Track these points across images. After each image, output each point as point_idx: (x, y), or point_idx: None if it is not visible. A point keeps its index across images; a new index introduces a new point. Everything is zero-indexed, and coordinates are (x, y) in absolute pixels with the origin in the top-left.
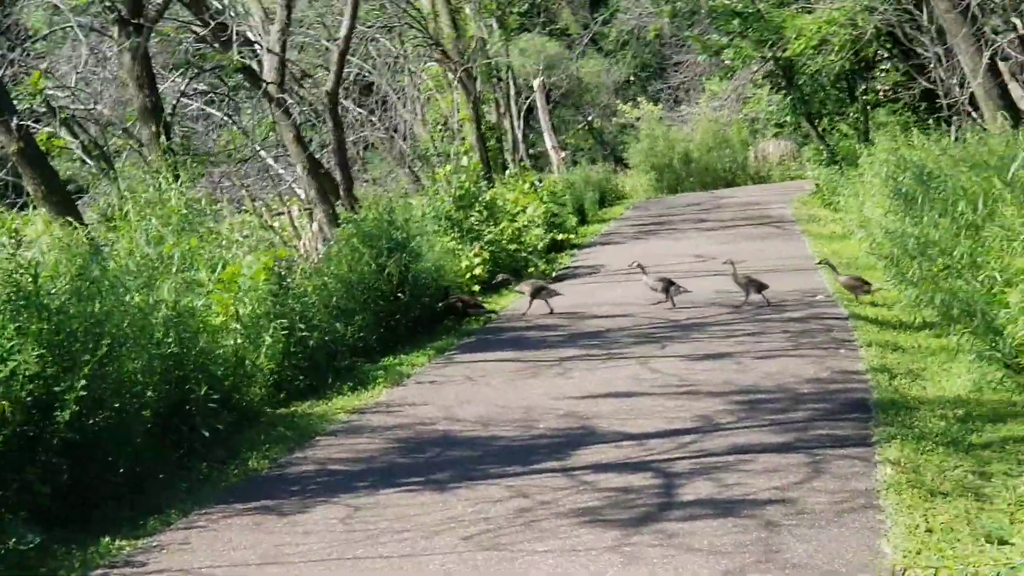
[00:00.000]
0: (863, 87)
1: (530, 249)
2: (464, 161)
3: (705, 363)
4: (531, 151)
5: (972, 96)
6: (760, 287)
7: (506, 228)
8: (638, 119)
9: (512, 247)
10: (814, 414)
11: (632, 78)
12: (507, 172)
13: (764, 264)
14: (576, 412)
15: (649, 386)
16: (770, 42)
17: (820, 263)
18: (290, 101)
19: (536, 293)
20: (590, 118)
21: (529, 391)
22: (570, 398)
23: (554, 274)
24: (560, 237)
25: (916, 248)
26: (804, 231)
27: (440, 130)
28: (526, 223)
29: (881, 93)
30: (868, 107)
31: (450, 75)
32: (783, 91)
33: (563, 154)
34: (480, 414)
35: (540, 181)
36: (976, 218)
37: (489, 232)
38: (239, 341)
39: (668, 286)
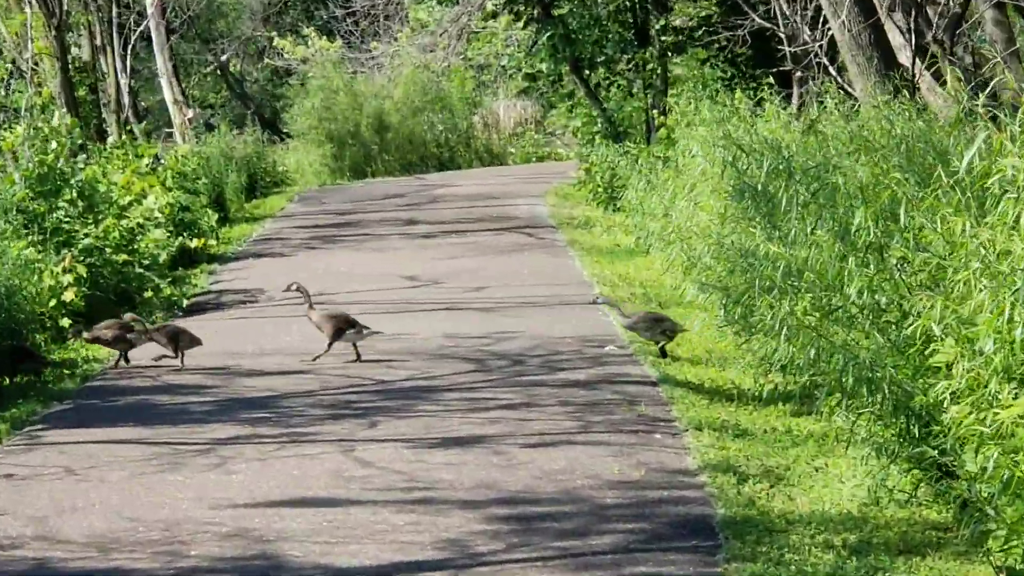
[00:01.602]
0: (659, 22)
1: (148, 262)
2: (53, 121)
3: (444, 452)
4: (142, 108)
5: (831, 43)
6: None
7: (111, 228)
8: (304, 61)
9: (121, 258)
10: (628, 541)
11: None
12: (108, 140)
13: (517, 293)
14: (248, 531)
15: (361, 488)
16: None
17: (596, 301)
18: None
19: (339, 332)
20: (224, 57)
21: (170, 494)
22: (237, 506)
23: (184, 303)
24: (193, 244)
25: (779, 277)
26: (571, 241)
27: (4, 71)
28: (142, 221)
29: (685, 33)
30: (667, 53)
31: None
32: (535, 24)
33: (189, 113)
34: (94, 531)
35: (161, 158)
36: (877, 236)
37: (87, 234)
38: None
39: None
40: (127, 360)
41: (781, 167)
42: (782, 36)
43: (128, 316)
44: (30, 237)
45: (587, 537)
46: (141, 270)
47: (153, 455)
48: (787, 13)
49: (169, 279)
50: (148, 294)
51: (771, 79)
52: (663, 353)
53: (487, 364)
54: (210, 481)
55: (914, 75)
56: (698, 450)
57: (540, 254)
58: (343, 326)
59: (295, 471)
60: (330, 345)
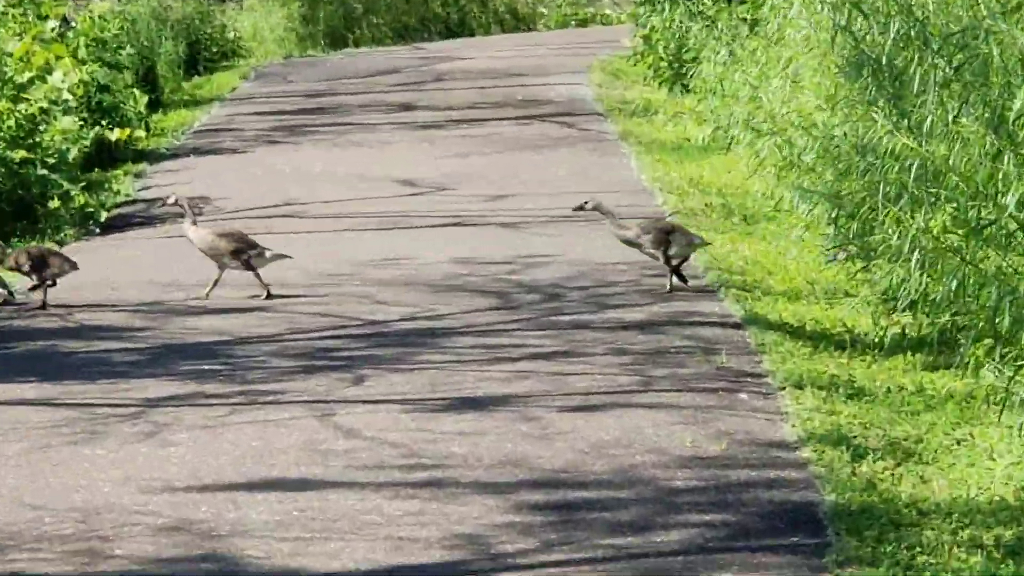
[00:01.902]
0: None
1: (54, 160)
2: None
3: (456, 418)
4: None
5: None
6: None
7: (5, 115)
8: None
9: (17, 155)
10: (704, 537)
11: None
12: None
13: (552, 204)
14: (193, 523)
15: (343, 467)
16: None
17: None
18: None
19: (238, 254)
20: None
21: (87, 473)
22: (176, 489)
23: (103, 216)
24: (115, 136)
25: (909, 182)
26: (624, 134)
27: None
28: (45, 105)
29: None
30: None
31: None
32: None
33: None
34: None
35: (72, 20)
36: None
37: None
38: None
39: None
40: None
41: (913, 32)
42: None
43: None
44: None
45: (649, 532)
46: (44, 171)
47: (63, 421)
48: None
49: (82, 183)
50: (54, 203)
51: None
52: (680, 277)
53: (512, 299)
54: (140, 456)
55: None
56: (798, 416)
57: (582, 151)
58: (241, 246)
59: (254, 443)
60: (221, 274)
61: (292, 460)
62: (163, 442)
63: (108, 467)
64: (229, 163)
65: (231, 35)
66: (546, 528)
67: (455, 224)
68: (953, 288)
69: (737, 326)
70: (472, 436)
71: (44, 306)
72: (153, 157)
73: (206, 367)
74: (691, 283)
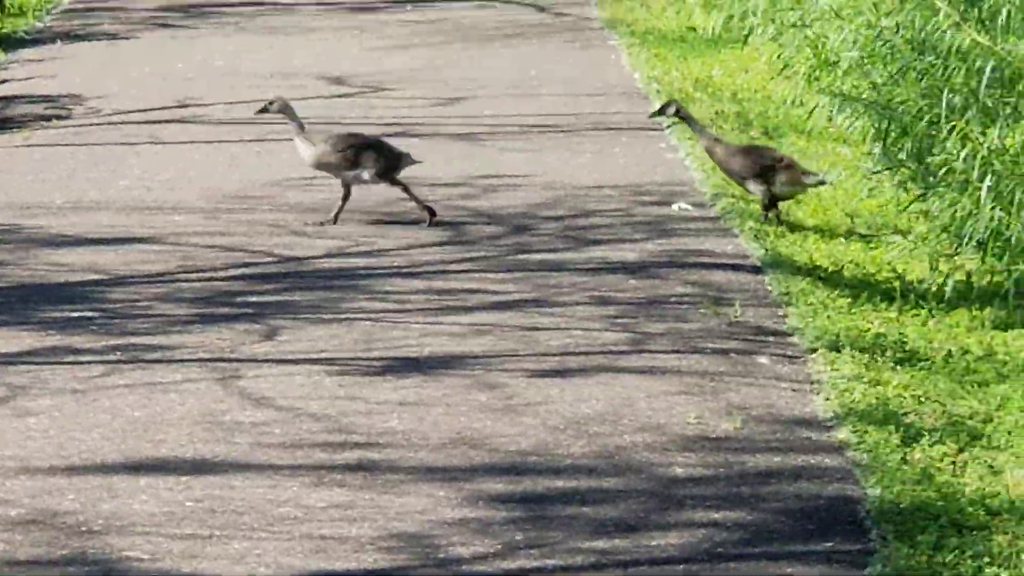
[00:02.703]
0: None
1: None
2: None
3: (396, 384)
4: None
5: None
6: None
7: None
8: None
9: None
10: (714, 539)
11: None
12: None
13: (522, 110)
14: (58, 514)
15: (251, 444)
16: None
17: (660, 113)
18: None
19: None
20: None
21: None
22: (37, 471)
23: None
24: None
25: (980, 89)
26: (612, 21)
27: None
28: None
29: None
30: None
31: None
32: None
33: None
34: None
35: None
36: None
37: None
38: None
39: None
40: None
41: None
42: None
43: None
44: None
45: (641, 533)
46: None
47: None
48: None
49: None
50: None
51: None
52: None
53: (469, 232)
54: None
55: None
56: (834, 386)
57: (559, 42)
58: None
59: (137, 412)
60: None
61: (186, 435)
62: (19, 411)
63: None
64: (107, 53)
65: None
66: (510, 526)
67: (395, 134)
68: None
69: (755, 270)
70: (416, 407)
71: None
72: (8, 43)
73: (76, 314)
74: (694, 213)
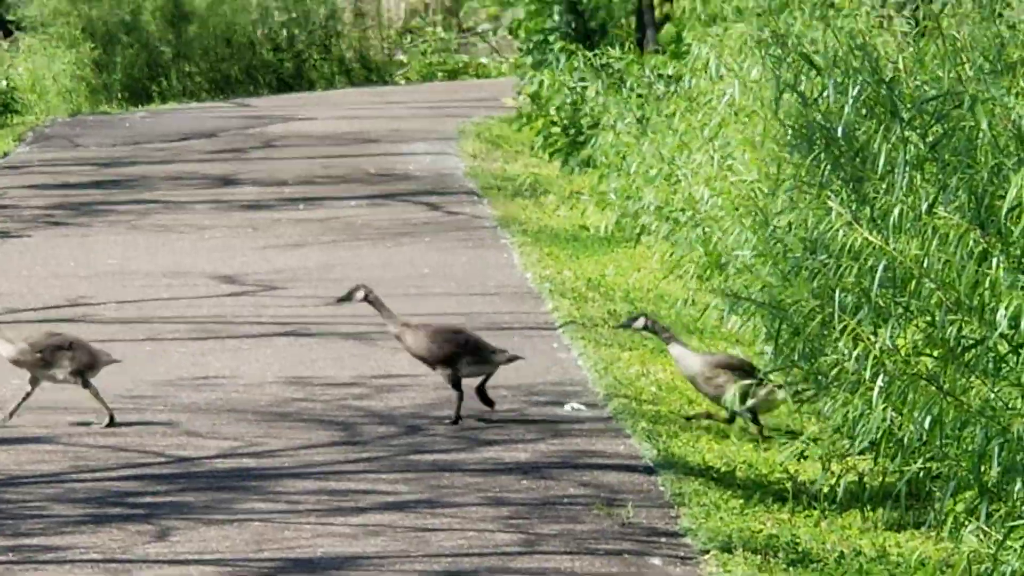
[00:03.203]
0: None
1: None
2: None
3: None
4: None
5: None
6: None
7: None
8: None
9: None
10: None
11: None
12: None
13: (412, 309)
14: None
15: None
16: None
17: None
18: None
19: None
20: None
21: None
22: None
23: None
24: None
25: (872, 288)
26: (505, 220)
27: None
28: None
29: None
30: None
31: None
32: None
33: None
34: None
35: None
36: None
37: None
38: None
39: None
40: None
41: (879, 96)
42: None
43: None
44: None
45: None
46: None
47: None
48: None
49: None
50: None
51: None
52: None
53: (360, 432)
54: None
55: None
56: None
57: (452, 242)
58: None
59: None
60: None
61: None
62: None
63: None
64: None
65: (3, 85)
66: None
67: (287, 334)
68: (926, 426)
69: (648, 471)
70: None
71: None
72: None
73: None
74: (587, 413)
